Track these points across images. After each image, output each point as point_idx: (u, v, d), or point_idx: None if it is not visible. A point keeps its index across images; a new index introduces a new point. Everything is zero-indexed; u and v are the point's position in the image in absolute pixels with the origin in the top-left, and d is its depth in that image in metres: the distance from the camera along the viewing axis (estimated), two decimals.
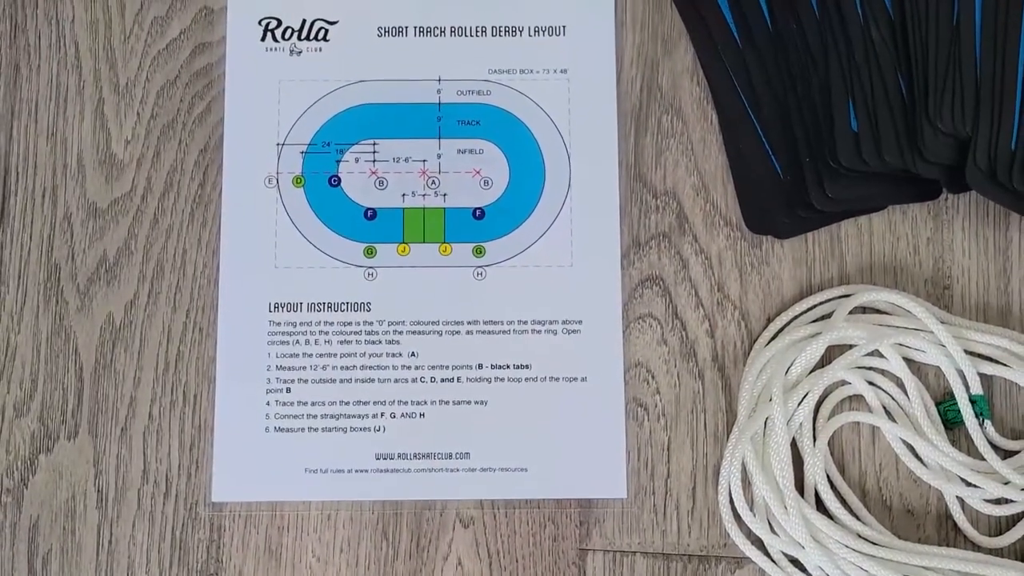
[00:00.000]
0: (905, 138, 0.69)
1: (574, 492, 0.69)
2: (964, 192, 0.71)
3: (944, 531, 0.69)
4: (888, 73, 0.70)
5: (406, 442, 0.69)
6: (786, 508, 0.67)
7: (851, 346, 0.70)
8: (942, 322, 0.70)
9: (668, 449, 0.70)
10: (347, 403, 0.70)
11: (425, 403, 0.70)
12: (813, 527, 0.67)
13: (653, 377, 0.70)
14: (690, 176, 0.73)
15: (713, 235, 0.72)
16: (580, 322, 0.71)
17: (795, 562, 0.68)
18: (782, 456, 0.68)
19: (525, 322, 0.71)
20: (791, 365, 0.69)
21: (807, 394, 0.69)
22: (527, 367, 0.70)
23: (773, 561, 0.68)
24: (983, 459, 0.68)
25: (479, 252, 0.71)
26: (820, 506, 0.68)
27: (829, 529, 0.67)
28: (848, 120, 0.70)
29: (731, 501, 0.68)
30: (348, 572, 0.68)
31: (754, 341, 0.71)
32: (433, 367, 0.70)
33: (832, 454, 0.70)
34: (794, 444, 0.69)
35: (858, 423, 0.70)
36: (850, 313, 0.71)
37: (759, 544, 0.68)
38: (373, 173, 0.72)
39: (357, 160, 0.72)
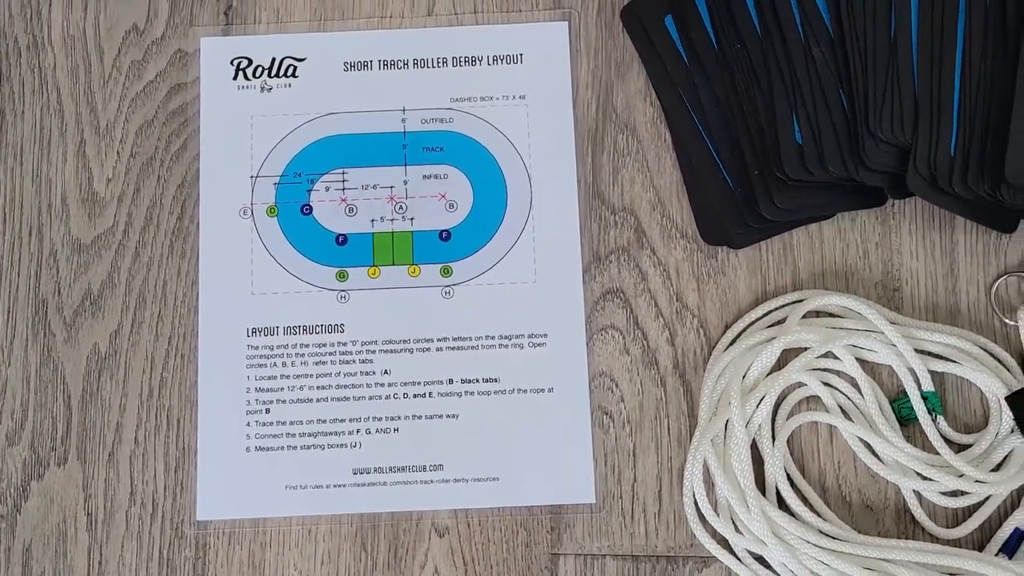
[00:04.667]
0: (847, 148, 0.66)
1: (544, 499, 0.66)
2: (908, 198, 0.68)
3: (903, 524, 0.66)
4: (829, 88, 0.67)
5: (382, 457, 0.66)
6: (748, 507, 0.64)
7: (806, 349, 0.67)
8: (892, 323, 0.66)
9: (634, 454, 0.67)
10: (324, 421, 0.67)
11: (399, 418, 0.67)
12: (775, 524, 0.64)
13: (617, 386, 0.67)
14: (646, 192, 0.70)
15: (670, 248, 0.69)
16: (545, 335, 0.68)
17: (760, 559, 0.65)
18: (742, 457, 0.64)
19: (492, 337, 0.68)
20: (748, 369, 0.66)
21: (764, 396, 0.65)
22: (496, 380, 0.67)
23: (738, 559, 0.65)
24: (937, 453, 0.65)
25: (446, 272, 0.69)
26: (782, 504, 0.65)
27: (791, 526, 0.64)
28: (792, 133, 0.67)
29: (695, 502, 0.65)
30: None
31: (713, 348, 0.68)
32: (405, 384, 0.67)
33: (792, 454, 0.66)
34: (755, 445, 0.66)
35: (816, 423, 0.67)
36: (804, 317, 0.68)
37: (724, 543, 0.65)
38: (343, 200, 0.69)
39: (327, 188, 0.70)
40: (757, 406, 0.66)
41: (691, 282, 0.69)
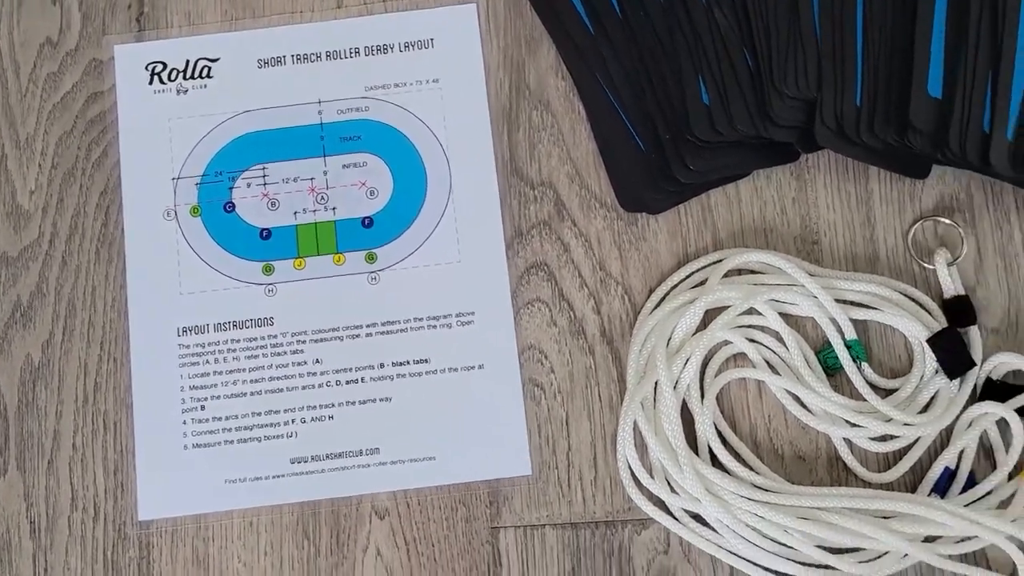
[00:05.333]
0: (755, 106, 0.66)
1: (481, 474, 0.66)
2: (819, 151, 0.68)
3: (835, 472, 0.66)
4: (733, 48, 0.67)
5: (318, 445, 0.66)
6: (681, 467, 0.64)
7: (729, 308, 0.66)
8: (812, 275, 0.67)
9: (567, 424, 0.67)
10: (259, 414, 0.67)
11: (333, 406, 0.67)
12: (708, 482, 0.64)
13: (546, 357, 0.67)
14: (563, 165, 0.70)
15: (591, 218, 0.69)
16: (472, 313, 0.68)
17: (697, 517, 0.65)
18: (672, 418, 0.64)
19: (421, 319, 0.68)
20: (673, 331, 0.66)
21: (690, 357, 0.65)
22: (426, 361, 0.67)
23: (676, 519, 0.65)
24: (865, 400, 0.65)
25: (371, 258, 0.68)
26: (715, 462, 0.65)
27: (724, 482, 0.63)
28: (700, 96, 0.67)
29: (629, 466, 0.65)
30: (273, 573, 0.65)
31: (638, 313, 0.68)
32: (337, 371, 0.67)
33: (723, 411, 0.66)
34: (685, 406, 0.66)
35: (744, 379, 0.67)
36: (726, 276, 0.68)
37: (661, 504, 0.65)
38: (265, 195, 0.69)
39: (249, 185, 0.69)
40: (684, 367, 0.65)
41: (613, 250, 0.69)
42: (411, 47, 0.71)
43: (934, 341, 0.65)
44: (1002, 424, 0.65)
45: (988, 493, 0.64)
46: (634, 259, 0.68)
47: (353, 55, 0.71)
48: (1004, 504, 0.64)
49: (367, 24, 0.72)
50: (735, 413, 0.66)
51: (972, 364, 0.65)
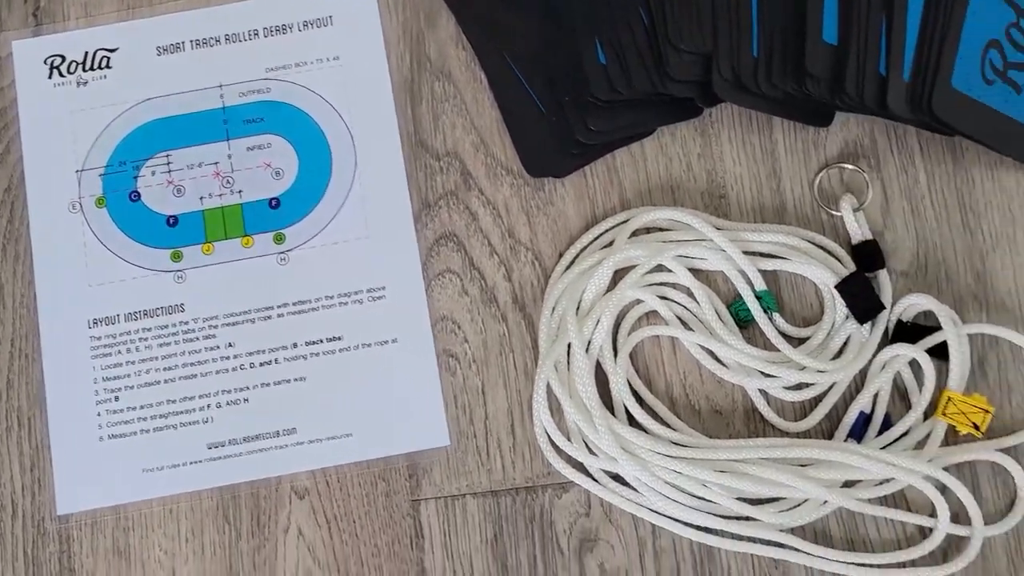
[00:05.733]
0: (652, 63, 0.66)
1: (400, 448, 0.65)
2: (719, 104, 0.67)
3: (753, 424, 0.65)
4: (629, 6, 0.66)
5: (234, 428, 0.66)
6: (596, 428, 0.63)
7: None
8: (719, 229, 0.66)
9: (483, 392, 0.66)
10: (174, 401, 0.66)
11: (248, 388, 0.66)
12: (624, 441, 0.63)
13: (459, 327, 0.67)
14: (468, 134, 0.69)
15: (497, 186, 0.68)
16: (384, 288, 0.67)
17: (617, 478, 0.64)
18: (586, 380, 0.64)
19: (332, 296, 0.67)
20: (583, 293, 0.66)
21: (600, 318, 0.65)
22: (339, 338, 0.66)
23: (595, 480, 0.64)
24: (778, 350, 0.65)
25: (279, 239, 0.68)
26: (633, 422, 0.64)
27: (640, 440, 0.63)
28: (597, 56, 0.66)
29: (546, 431, 0.65)
30: (195, 560, 0.64)
31: (549, 278, 0.67)
32: (251, 354, 0.66)
33: (638, 370, 0.66)
34: (601, 367, 0.65)
35: (658, 336, 0.66)
36: (635, 235, 0.67)
37: (580, 467, 0.64)
38: (170, 183, 0.68)
39: (153, 173, 0.69)
40: (595, 328, 0.65)
41: (521, 216, 0.68)
42: (310, 25, 0.71)
43: (843, 287, 0.64)
44: (915, 365, 0.64)
45: (904, 434, 0.64)
46: (542, 224, 0.68)
47: (252, 37, 0.70)
48: (921, 444, 0.64)
49: (265, 5, 0.71)
50: (650, 371, 0.66)
51: (881, 307, 0.64)
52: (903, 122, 0.66)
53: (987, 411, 0.63)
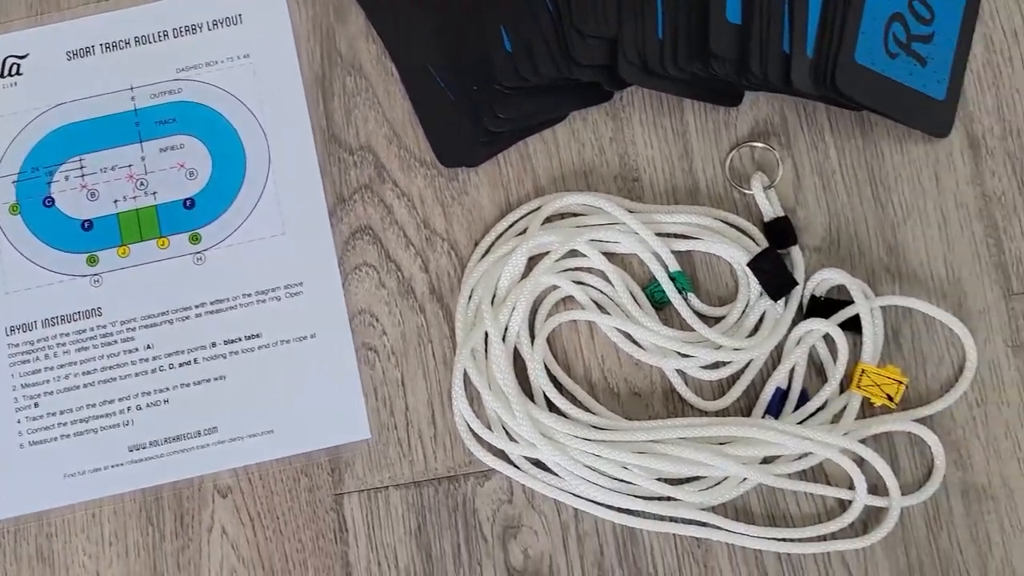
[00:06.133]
0: (557, 49, 0.65)
1: (321, 442, 0.65)
2: (628, 88, 0.67)
3: (671, 405, 0.65)
4: None
5: (155, 430, 0.65)
6: (515, 414, 0.63)
7: None
8: (631, 212, 0.66)
9: (403, 384, 0.66)
10: (94, 405, 0.65)
11: (167, 389, 0.66)
12: (543, 426, 0.63)
13: (377, 320, 0.66)
14: (381, 128, 0.69)
15: (411, 177, 0.68)
16: (301, 284, 0.67)
17: (538, 463, 0.64)
18: (503, 367, 0.64)
19: (249, 295, 0.67)
20: (498, 281, 0.66)
21: (516, 305, 0.65)
22: (258, 336, 0.66)
23: (517, 467, 0.64)
24: (694, 330, 0.65)
25: (195, 239, 0.67)
26: (554, 407, 0.64)
27: (559, 425, 0.63)
28: (503, 43, 0.66)
29: (465, 420, 0.64)
30: (119, 563, 0.64)
31: (465, 267, 0.67)
32: (169, 355, 0.66)
33: (556, 356, 0.66)
34: (520, 355, 0.65)
35: (575, 321, 0.66)
36: (550, 221, 0.67)
37: (502, 454, 0.64)
38: (84, 187, 0.68)
39: (67, 178, 0.68)
40: (511, 315, 0.65)
41: (436, 207, 0.68)
42: (220, 25, 0.70)
43: (755, 264, 0.64)
44: (830, 339, 0.64)
45: (821, 408, 0.64)
46: (457, 214, 0.68)
47: (162, 38, 0.70)
48: (838, 418, 0.64)
49: (174, 6, 0.70)
50: (569, 356, 0.66)
51: (794, 283, 0.64)
52: (810, 98, 0.66)
53: (901, 382, 0.63)
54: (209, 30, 0.70)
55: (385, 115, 0.69)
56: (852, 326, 0.64)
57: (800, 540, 0.62)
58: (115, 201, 0.68)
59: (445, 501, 0.64)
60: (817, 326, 0.64)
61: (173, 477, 0.65)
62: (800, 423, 0.63)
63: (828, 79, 0.64)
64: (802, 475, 0.63)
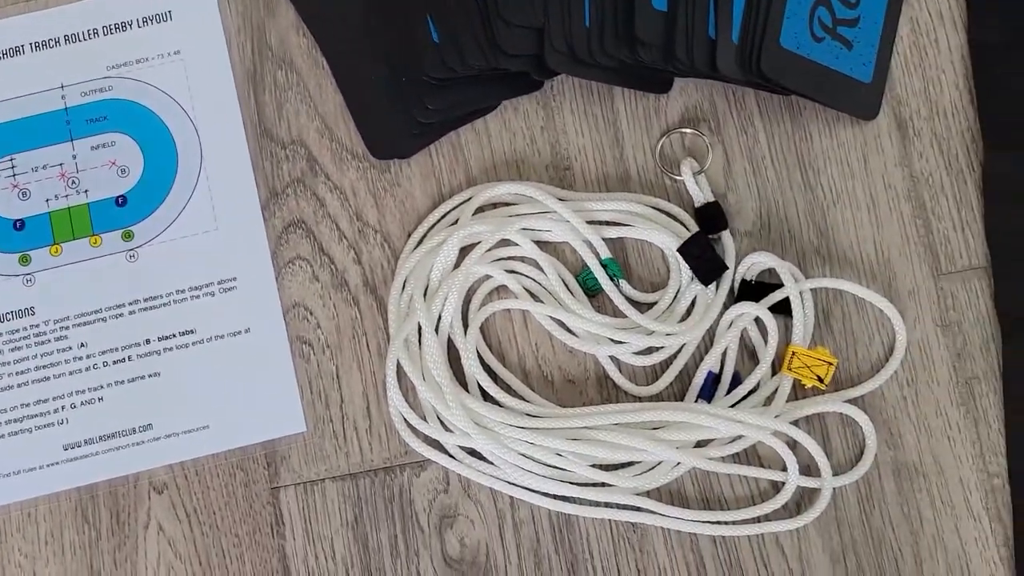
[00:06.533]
0: (484, 39, 0.65)
1: (257, 437, 0.65)
2: (558, 77, 0.67)
3: (605, 391, 0.65)
4: None
5: (90, 428, 0.65)
6: (448, 404, 0.63)
7: None
8: (561, 200, 0.66)
9: (338, 377, 0.65)
10: (28, 405, 0.65)
11: (102, 387, 0.65)
12: (477, 415, 0.63)
13: (312, 314, 0.66)
14: (312, 121, 0.68)
15: (344, 170, 0.68)
16: (234, 279, 0.66)
17: (474, 453, 0.64)
18: (436, 357, 0.63)
19: (183, 291, 0.66)
20: (430, 272, 0.65)
21: (448, 295, 0.64)
22: (192, 332, 0.66)
23: (452, 457, 0.64)
24: (626, 317, 0.65)
25: (128, 236, 0.67)
26: (489, 397, 0.64)
27: (492, 413, 0.63)
28: (430, 34, 0.66)
29: (400, 411, 0.64)
30: (56, 562, 0.63)
31: (398, 259, 0.67)
32: (103, 353, 0.66)
33: (490, 345, 0.66)
34: (454, 345, 0.65)
35: (509, 310, 0.66)
36: (483, 211, 0.67)
37: (437, 444, 0.64)
38: (15, 186, 0.67)
39: None
40: (443, 305, 0.65)
41: (368, 199, 0.67)
42: (149, 22, 0.70)
43: (685, 249, 0.64)
44: (762, 323, 0.64)
45: (753, 391, 0.64)
46: (390, 206, 0.67)
47: (92, 36, 0.69)
48: (771, 400, 0.64)
49: (104, 4, 0.70)
50: (503, 345, 0.66)
51: (724, 268, 0.64)
52: (738, 84, 0.66)
53: (830, 363, 0.63)
54: (139, 27, 0.69)
55: (317, 109, 0.68)
56: (783, 309, 0.64)
57: (734, 523, 0.62)
58: (47, 200, 0.67)
59: (381, 492, 0.64)
60: (748, 310, 0.64)
61: (109, 475, 0.64)
62: (733, 406, 0.63)
63: (753, 64, 0.64)
64: (735, 458, 0.63)
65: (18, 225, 0.67)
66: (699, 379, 0.64)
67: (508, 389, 0.65)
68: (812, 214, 0.66)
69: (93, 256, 0.67)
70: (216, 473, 0.64)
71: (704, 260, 0.64)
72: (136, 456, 0.64)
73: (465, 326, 0.65)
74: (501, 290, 0.66)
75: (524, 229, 0.65)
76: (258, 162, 0.68)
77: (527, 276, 0.66)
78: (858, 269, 0.66)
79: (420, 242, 0.66)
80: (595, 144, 0.68)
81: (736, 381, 0.64)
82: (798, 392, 0.64)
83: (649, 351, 0.65)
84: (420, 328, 0.65)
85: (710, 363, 0.64)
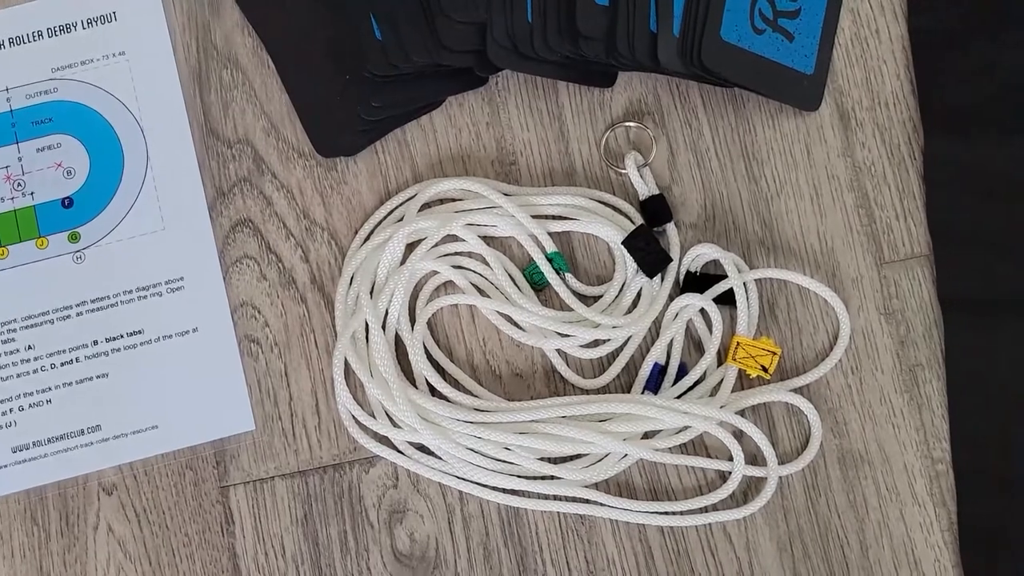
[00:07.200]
0: (428, 35, 0.65)
1: (206, 436, 0.64)
2: (501, 72, 0.67)
3: (553, 384, 0.65)
4: None
5: (38, 430, 0.64)
6: (395, 400, 0.62)
7: None
8: (506, 195, 0.66)
9: (286, 375, 0.65)
10: None
11: (50, 389, 0.65)
12: (424, 410, 0.63)
13: (259, 312, 0.66)
14: (258, 120, 0.68)
15: (290, 169, 0.67)
16: (182, 279, 0.66)
17: (423, 448, 0.64)
18: (383, 354, 0.63)
19: (130, 291, 0.66)
20: (377, 269, 0.65)
21: (394, 291, 0.64)
22: (140, 332, 0.65)
23: (401, 452, 0.64)
24: (572, 310, 0.64)
25: (74, 238, 0.66)
26: (437, 392, 0.64)
27: (439, 408, 0.63)
28: (372, 30, 0.65)
29: (348, 408, 0.64)
30: (4, 564, 0.63)
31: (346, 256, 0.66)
32: (51, 355, 0.65)
33: (438, 340, 0.65)
34: (402, 341, 0.65)
35: (456, 306, 0.66)
36: (429, 207, 0.66)
37: (386, 440, 0.64)
38: None
39: None
40: (390, 302, 0.64)
41: (315, 197, 0.67)
42: (94, 23, 0.69)
43: (629, 242, 0.64)
44: (707, 314, 0.64)
45: (699, 382, 0.64)
46: (337, 203, 0.67)
47: (36, 38, 0.69)
48: (717, 391, 0.64)
49: (48, 5, 0.69)
50: (451, 340, 0.65)
51: (668, 260, 0.64)
52: (680, 77, 0.66)
53: (774, 353, 0.63)
54: (84, 28, 0.69)
55: (262, 107, 0.68)
56: (728, 299, 0.64)
57: (682, 513, 0.62)
58: None
59: (331, 489, 0.64)
60: (692, 301, 0.64)
61: (57, 477, 0.64)
62: (679, 397, 0.63)
63: (694, 57, 0.64)
64: (682, 449, 0.63)
65: None
66: (645, 371, 0.64)
67: (456, 384, 0.64)
68: (756, 205, 0.66)
69: (39, 258, 0.66)
70: (165, 473, 0.64)
71: (648, 253, 0.64)
72: (85, 457, 0.64)
73: (413, 322, 0.65)
74: (448, 286, 0.66)
75: (470, 224, 0.65)
76: (204, 162, 0.67)
77: (474, 271, 0.66)
78: (802, 259, 0.66)
79: (367, 239, 0.66)
80: (540, 139, 0.68)
81: (682, 372, 0.64)
82: (744, 382, 0.64)
83: (595, 344, 0.64)
84: (367, 325, 0.64)
85: (656, 355, 0.64)
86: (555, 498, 0.63)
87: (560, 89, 0.68)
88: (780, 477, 0.63)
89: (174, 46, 0.69)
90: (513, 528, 0.63)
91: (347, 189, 0.67)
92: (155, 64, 0.69)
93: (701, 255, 0.65)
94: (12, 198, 0.67)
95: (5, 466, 0.64)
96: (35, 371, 0.65)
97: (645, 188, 0.66)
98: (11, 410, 0.64)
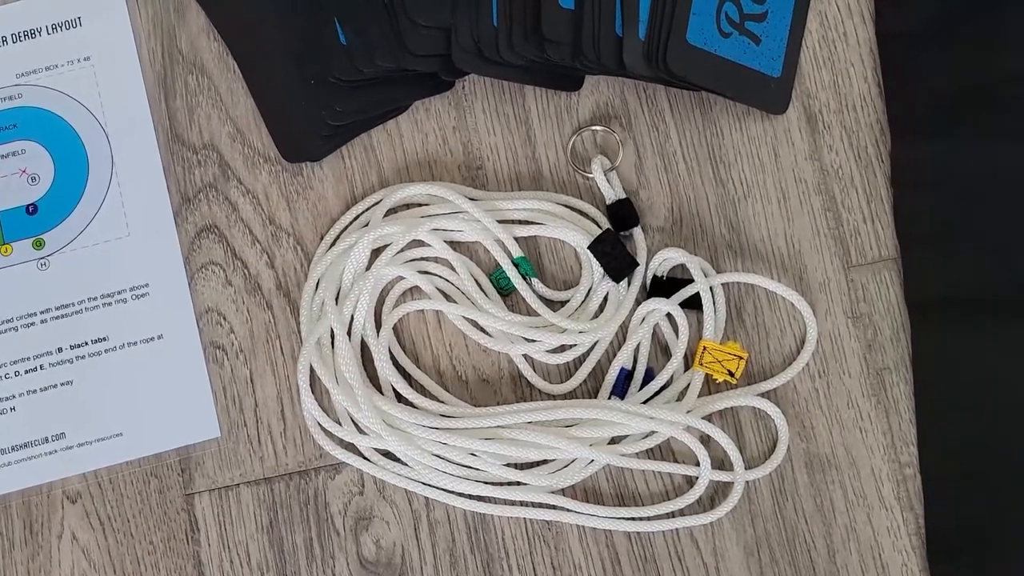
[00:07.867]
0: (393, 40, 0.64)
1: (171, 443, 0.64)
2: (467, 76, 0.66)
3: (520, 390, 0.64)
4: None
5: (2, 438, 0.64)
6: (360, 406, 0.62)
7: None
8: (472, 199, 0.65)
9: (252, 381, 0.64)
10: None
11: (14, 397, 0.64)
12: (390, 417, 0.62)
13: (225, 319, 0.65)
14: (224, 126, 0.67)
15: (256, 174, 0.67)
16: (147, 285, 0.65)
17: (389, 454, 0.63)
18: (348, 360, 0.62)
19: (95, 298, 0.65)
20: (342, 274, 0.64)
21: (359, 297, 0.63)
22: (105, 339, 0.65)
23: (367, 459, 0.63)
24: (539, 315, 0.64)
25: (38, 245, 0.66)
26: (403, 398, 0.63)
27: (405, 415, 0.62)
28: (336, 35, 0.65)
29: (313, 414, 0.63)
30: None
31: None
32: (15, 362, 0.64)
33: (404, 346, 0.65)
34: (368, 347, 0.64)
35: (423, 311, 0.65)
36: (396, 212, 0.66)
37: (352, 447, 0.63)
38: None
39: None
40: (355, 307, 0.64)
41: (281, 203, 0.66)
42: (59, 28, 0.68)
43: (595, 247, 0.64)
44: (674, 319, 0.64)
45: (666, 387, 0.63)
46: (303, 209, 0.66)
47: (1, 44, 0.68)
48: (683, 395, 0.63)
49: (11, 11, 0.68)
50: (417, 346, 0.65)
51: (635, 264, 0.64)
52: (647, 80, 0.66)
53: (741, 357, 0.63)
54: (48, 34, 0.68)
55: (228, 113, 0.67)
56: (695, 304, 0.64)
57: (648, 518, 0.62)
58: None
59: (296, 496, 0.63)
60: (658, 306, 0.63)
61: (21, 485, 0.63)
62: (645, 402, 0.63)
63: (660, 60, 0.63)
64: (649, 454, 0.63)
65: None
66: (612, 376, 0.63)
67: (422, 390, 0.64)
68: (723, 209, 0.66)
69: (4, 265, 0.65)
70: (130, 481, 0.63)
71: (614, 257, 0.64)
72: (49, 465, 0.63)
73: (379, 328, 0.64)
74: (414, 291, 0.65)
75: (435, 229, 0.64)
76: (170, 167, 0.67)
77: (440, 276, 0.65)
78: (769, 262, 0.65)
79: (332, 245, 0.65)
80: (507, 143, 0.67)
81: (649, 377, 0.64)
82: (711, 387, 0.64)
83: (562, 349, 0.64)
84: (333, 331, 0.64)
85: (622, 360, 0.63)
86: (521, 504, 0.62)
87: (527, 93, 0.67)
88: (747, 482, 0.62)
89: (139, 51, 0.68)
90: (479, 534, 0.62)
91: (313, 194, 0.66)
92: (120, 69, 0.68)
93: (668, 259, 0.64)
94: None
95: None
96: None
97: (612, 192, 0.65)
98: None
